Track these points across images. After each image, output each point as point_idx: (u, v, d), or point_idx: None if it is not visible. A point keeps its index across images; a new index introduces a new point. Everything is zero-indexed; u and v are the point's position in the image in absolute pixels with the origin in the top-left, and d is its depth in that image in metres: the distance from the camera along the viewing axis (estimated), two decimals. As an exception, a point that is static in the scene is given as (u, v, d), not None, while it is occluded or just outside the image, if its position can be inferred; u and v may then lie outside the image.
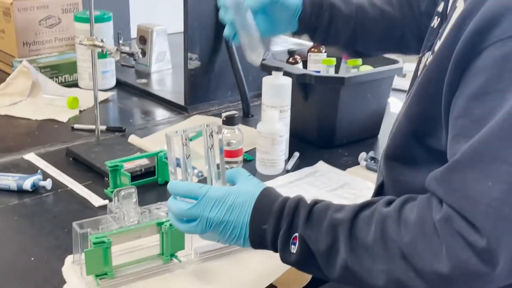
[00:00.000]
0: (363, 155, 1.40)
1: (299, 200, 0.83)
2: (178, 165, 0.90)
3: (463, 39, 0.68)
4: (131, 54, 1.23)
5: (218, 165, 0.93)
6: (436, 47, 0.80)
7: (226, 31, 1.10)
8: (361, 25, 1.12)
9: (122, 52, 1.25)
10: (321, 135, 1.47)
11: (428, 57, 0.85)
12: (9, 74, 1.81)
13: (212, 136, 0.90)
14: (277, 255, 0.84)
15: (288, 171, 1.35)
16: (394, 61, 1.52)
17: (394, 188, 0.87)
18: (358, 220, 0.76)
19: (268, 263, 0.98)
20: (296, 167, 1.37)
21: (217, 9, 1.65)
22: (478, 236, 0.65)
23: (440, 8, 0.90)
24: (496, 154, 0.64)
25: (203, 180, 0.93)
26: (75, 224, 0.94)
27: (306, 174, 1.34)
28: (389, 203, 0.77)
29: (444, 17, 0.85)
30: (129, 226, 0.95)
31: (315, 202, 0.82)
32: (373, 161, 1.36)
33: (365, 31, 1.13)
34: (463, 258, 0.66)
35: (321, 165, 1.38)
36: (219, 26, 1.68)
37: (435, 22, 0.91)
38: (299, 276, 0.95)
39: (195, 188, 0.85)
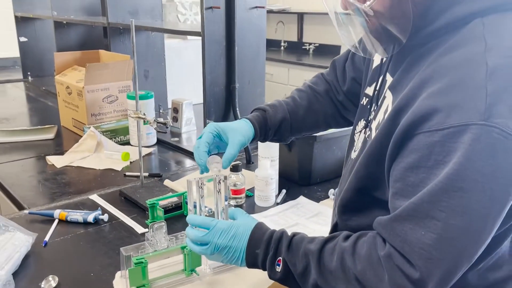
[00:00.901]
0: (331, 190, 1.38)
1: (283, 233, 0.81)
2: (194, 204, 0.89)
3: (400, 126, 0.67)
4: (164, 124, 1.23)
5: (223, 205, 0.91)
6: (373, 125, 0.80)
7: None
8: (296, 128, 1.07)
9: (158, 122, 1.25)
10: (301, 176, 1.45)
11: (367, 133, 0.83)
12: (81, 137, 1.81)
13: (220, 183, 0.89)
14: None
15: (278, 204, 1.33)
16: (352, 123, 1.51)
17: (345, 227, 0.85)
18: (324, 251, 0.75)
19: (262, 275, 0.94)
20: (284, 200, 1.35)
21: (226, 89, 1.68)
22: (413, 270, 0.64)
23: (368, 91, 0.89)
24: (427, 212, 0.63)
25: (211, 215, 0.91)
26: (122, 249, 0.92)
27: (291, 206, 1.31)
28: (346, 237, 0.76)
29: (373, 100, 0.85)
30: (161, 250, 0.93)
31: (294, 234, 0.81)
32: (339, 195, 1.34)
33: (300, 129, 1.08)
34: (401, 284, 0.65)
35: (301, 199, 1.36)
36: (228, 101, 1.70)
37: (364, 101, 0.90)
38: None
39: (208, 221, 0.84)
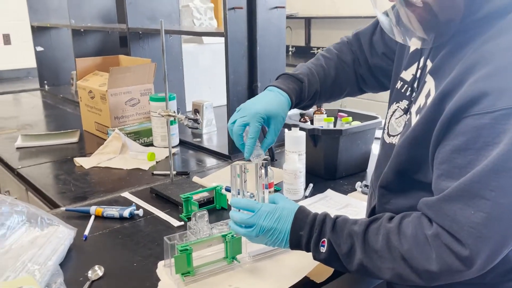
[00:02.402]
0: (358, 183, 1.40)
1: (326, 215, 0.84)
2: (238, 191, 0.92)
3: (447, 111, 0.69)
4: (196, 120, 1.26)
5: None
6: (413, 110, 0.82)
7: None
8: (321, 98, 1.10)
9: (189, 119, 1.29)
10: (327, 170, 1.48)
11: (407, 117, 0.85)
12: (105, 139, 1.84)
13: (261, 169, 0.92)
14: (308, 256, 0.85)
15: (306, 197, 1.36)
16: (375, 118, 1.54)
17: (384, 211, 0.87)
18: (369, 231, 0.78)
19: (301, 261, 0.97)
20: (312, 194, 1.38)
21: (249, 88, 1.72)
22: (462, 248, 0.67)
23: (404, 75, 0.90)
24: (476, 192, 0.66)
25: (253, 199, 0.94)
26: (166, 238, 0.95)
27: (320, 198, 1.34)
28: (390, 218, 0.79)
29: (411, 84, 0.87)
30: (203, 238, 0.96)
31: (337, 217, 0.84)
32: (365, 187, 1.36)
33: (323, 99, 1.11)
34: (448, 262, 0.69)
35: (329, 191, 1.38)
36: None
37: (399, 85, 0.92)
38: (324, 270, 0.95)
39: (253, 203, 0.87)
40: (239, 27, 1.62)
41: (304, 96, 1.04)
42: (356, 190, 1.39)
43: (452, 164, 0.69)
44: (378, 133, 1.68)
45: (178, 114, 1.32)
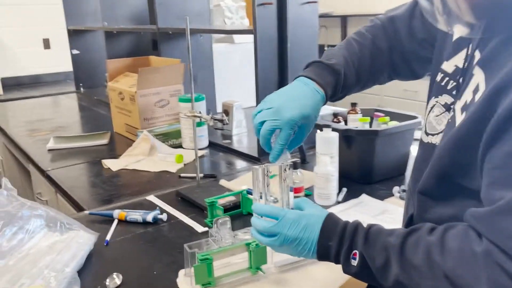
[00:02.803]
0: (396, 188, 1.30)
1: (358, 224, 0.76)
2: (260, 195, 0.85)
3: (503, 108, 0.60)
4: (221, 120, 1.21)
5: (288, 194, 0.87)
6: (458, 106, 0.72)
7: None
8: (354, 90, 1.00)
9: (214, 119, 1.23)
10: (362, 174, 1.38)
11: (450, 114, 0.75)
12: (134, 141, 1.82)
13: (286, 171, 0.85)
14: (338, 269, 0.77)
15: (339, 202, 1.27)
16: (414, 117, 1.44)
17: (423, 220, 0.77)
18: (406, 244, 0.69)
19: (332, 274, 0.90)
20: (345, 199, 1.29)
21: (279, 87, 1.65)
22: None
23: (445, 66, 0.80)
24: None
25: (277, 205, 0.87)
26: (186, 246, 0.90)
27: (354, 204, 1.25)
28: (431, 230, 0.69)
29: (454, 77, 0.78)
30: (225, 246, 0.90)
31: (370, 226, 0.75)
32: (404, 193, 1.26)
33: (355, 90, 1.00)
34: (502, 283, 0.58)
35: (364, 196, 1.29)
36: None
37: (439, 77, 0.81)
38: (357, 285, 0.87)
39: (277, 210, 0.80)
40: (268, 23, 1.55)
41: (338, 90, 0.94)
42: (393, 195, 1.29)
43: (508, 171, 0.60)
44: (418, 134, 1.58)
45: (208, 115, 1.27)
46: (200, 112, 1.28)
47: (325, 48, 5.49)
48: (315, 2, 1.62)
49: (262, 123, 0.86)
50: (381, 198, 1.28)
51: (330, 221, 0.77)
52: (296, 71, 1.64)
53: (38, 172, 1.78)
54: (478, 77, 0.68)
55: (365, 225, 0.76)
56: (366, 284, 0.86)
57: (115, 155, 1.79)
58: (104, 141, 1.97)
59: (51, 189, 1.67)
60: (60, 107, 3.01)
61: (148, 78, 1.87)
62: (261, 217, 0.81)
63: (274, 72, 1.61)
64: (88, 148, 1.92)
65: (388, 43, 0.98)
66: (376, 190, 1.34)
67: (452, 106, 0.76)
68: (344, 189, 1.33)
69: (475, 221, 0.63)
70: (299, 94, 0.88)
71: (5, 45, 4.19)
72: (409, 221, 0.84)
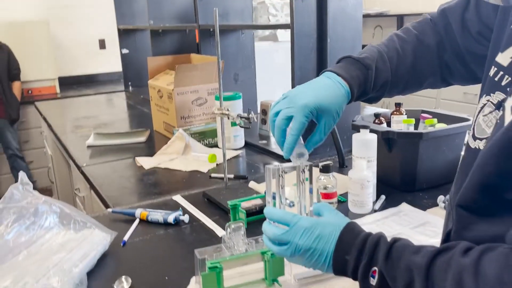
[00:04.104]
0: (441, 197, 1.17)
1: (380, 237, 0.65)
2: (274, 195, 0.76)
3: None
4: (247, 118, 1.14)
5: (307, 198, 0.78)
6: (508, 104, 0.60)
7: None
8: (392, 90, 0.89)
9: (241, 117, 1.16)
10: (404, 181, 1.26)
11: (499, 114, 0.63)
12: (170, 139, 1.79)
13: (304, 172, 0.75)
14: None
15: (376, 211, 1.16)
16: (466, 119, 1.29)
17: (462, 238, 0.65)
18: (434, 266, 0.58)
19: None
20: (383, 207, 1.17)
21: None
22: None
23: (500, 59, 0.68)
24: None
25: (293, 209, 0.78)
26: (196, 251, 0.83)
27: (391, 214, 1.13)
28: (466, 250, 0.57)
29: (507, 71, 0.65)
30: (238, 255, 0.82)
31: (395, 240, 0.64)
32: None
33: (394, 91, 0.90)
34: None
35: (404, 206, 1.17)
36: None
37: (492, 71, 0.69)
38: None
39: (289, 216, 0.71)
40: (307, 18, 1.46)
41: (369, 86, 0.84)
42: (437, 205, 1.16)
43: None
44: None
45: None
46: (228, 110, 1.21)
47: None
48: (359, -6, 1.51)
49: (277, 114, 0.78)
50: (424, 208, 1.15)
51: (349, 232, 0.67)
52: (336, 69, 1.54)
53: (76, 168, 1.80)
54: None
55: (389, 239, 0.66)
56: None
57: (152, 153, 1.76)
58: (142, 138, 1.96)
59: (86, 185, 1.67)
60: (109, 105, 3.08)
61: (186, 76, 1.84)
62: (273, 222, 0.72)
63: (312, 69, 1.52)
64: (126, 145, 1.91)
65: (436, 39, 0.87)
66: (419, 199, 1.21)
67: (503, 104, 0.63)
68: (383, 197, 1.22)
69: None
70: (318, 85, 0.80)
71: (63, 46, 4.38)
72: (446, 238, 0.72)
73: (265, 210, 0.73)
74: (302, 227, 0.68)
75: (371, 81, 0.83)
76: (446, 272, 0.56)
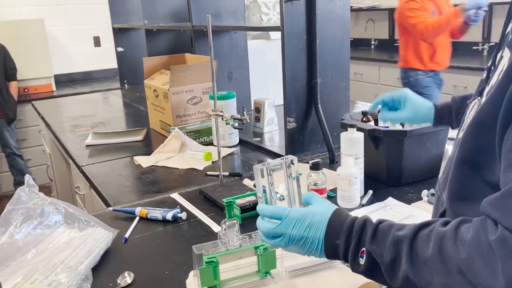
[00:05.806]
0: (425, 191, 1.23)
1: (366, 220, 0.71)
2: (264, 189, 0.82)
3: None
4: (240, 120, 1.19)
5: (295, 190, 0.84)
6: (485, 92, 0.67)
7: None
8: None
9: (234, 118, 1.22)
10: (390, 176, 1.32)
11: (475, 102, 0.70)
12: (166, 138, 1.84)
13: (290, 167, 0.82)
14: (351, 274, 0.73)
15: (363, 205, 1.22)
16: (449, 116, 1.35)
17: (454, 216, 0.71)
18: (418, 238, 0.63)
19: (345, 279, 0.86)
20: (370, 202, 1.24)
21: (307, 85, 1.61)
22: None
23: (489, 64, 0.75)
24: None
25: (284, 202, 0.84)
26: (194, 247, 0.89)
27: (378, 208, 1.20)
28: (445, 223, 0.63)
29: (487, 68, 0.71)
30: (232, 250, 0.88)
31: (380, 222, 0.70)
32: (433, 196, 1.19)
33: None
34: None
35: (390, 200, 1.23)
36: (309, 97, 1.62)
37: (484, 75, 0.75)
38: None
39: (279, 210, 0.77)
40: (297, 19, 1.51)
41: (451, 111, 1.08)
42: (422, 199, 1.22)
43: None
44: (454, 133, 1.48)
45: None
46: (221, 111, 1.27)
47: (372, 42, 5.28)
48: (346, -4, 1.56)
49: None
50: (409, 202, 1.22)
51: (336, 218, 0.73)
52: (326, 68, 1.60)
53: (76, 167, 1.85)
54: (505, 59, 0.62)
55: (374, 220, 0.72)
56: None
57: (149, 152, 1.82)
58: (140, 137, 2.01)
59: (86, 184, 1.72)
60: (105, 104, 3.12)
61: (181, 76, 1.89)
62: (266, 218, 0.78)
63: (303, 69, 1.57)
64: (124, 144, 1.96)
65: None
66: (404, 193, 1.28)
67: (482, 93, 0.69)
68: (370, 192, 1.28)
69: (490, 207, 0.57)
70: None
71: (58, 43, 4.40)
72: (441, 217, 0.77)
73: (257, 207, 0.79)
74: (293, 218, 0.74)
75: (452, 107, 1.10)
76: (428, 241, 0.61)
